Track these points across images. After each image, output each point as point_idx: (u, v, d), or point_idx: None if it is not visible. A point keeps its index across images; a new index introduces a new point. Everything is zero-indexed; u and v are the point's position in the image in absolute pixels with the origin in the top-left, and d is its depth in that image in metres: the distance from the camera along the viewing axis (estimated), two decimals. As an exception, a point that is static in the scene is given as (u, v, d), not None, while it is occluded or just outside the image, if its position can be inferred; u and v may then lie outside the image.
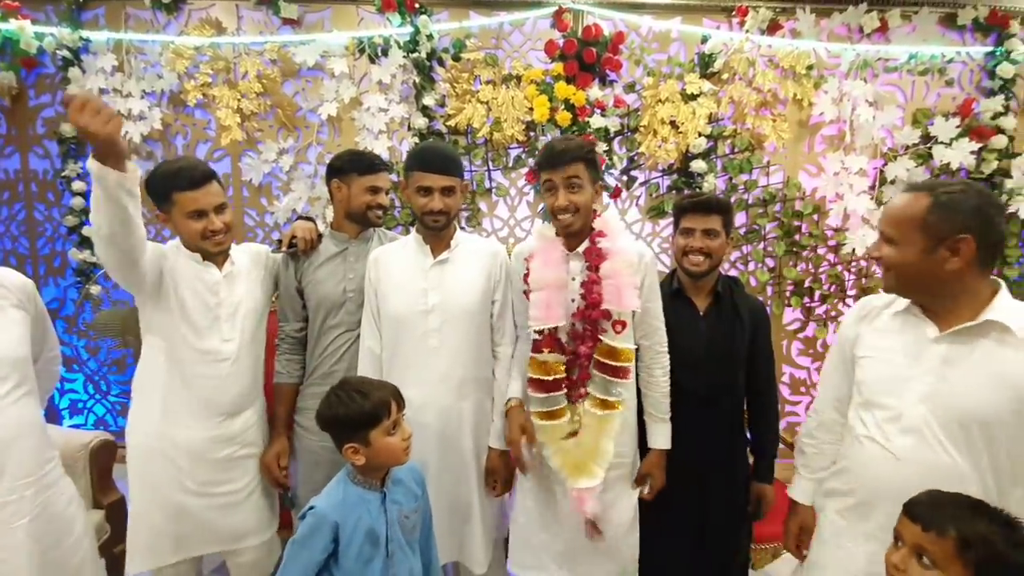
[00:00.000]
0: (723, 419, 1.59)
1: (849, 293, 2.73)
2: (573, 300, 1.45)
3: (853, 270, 2.71)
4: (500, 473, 1.58)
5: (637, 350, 1.49)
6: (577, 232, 1.44)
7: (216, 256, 1.56)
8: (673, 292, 1.63)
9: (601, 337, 1.42)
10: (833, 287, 2.71)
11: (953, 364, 1.08)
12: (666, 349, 1.52)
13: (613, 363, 1.41)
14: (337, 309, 1.65)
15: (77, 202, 2.71)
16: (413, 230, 1.62)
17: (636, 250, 1.45)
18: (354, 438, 1.19)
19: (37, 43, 2.59)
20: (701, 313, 1.60)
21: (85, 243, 2.72)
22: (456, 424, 1.55)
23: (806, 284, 2.71)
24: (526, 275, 1.49)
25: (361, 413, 1.18)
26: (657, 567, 1.58)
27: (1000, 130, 2.55)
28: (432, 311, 1.53)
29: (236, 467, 1.56)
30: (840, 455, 1.28)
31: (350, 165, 1.68)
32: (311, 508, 1.18)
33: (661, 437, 1.52)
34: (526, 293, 1.49)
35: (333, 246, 1.71)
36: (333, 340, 1.66)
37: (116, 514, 1.90)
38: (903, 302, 1.19)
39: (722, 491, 1.58)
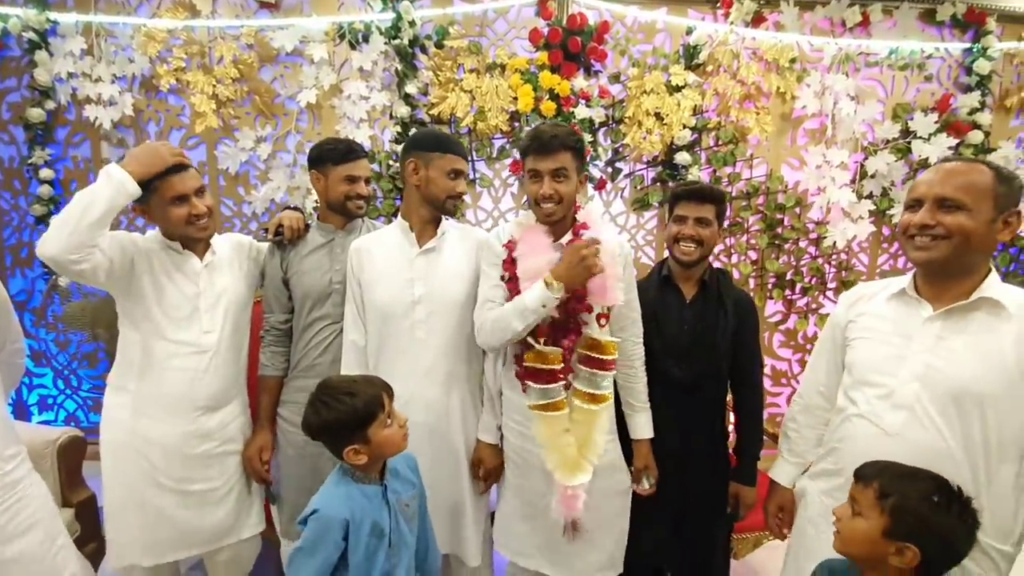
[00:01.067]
0: (705, 407, 1.58)
1: (830, 286, 2.76)
2: None
3: (834, 263, 2.74)
4: (488, 464, 1.56)
5: None
6: (559, 221, 1.42)
7: (197, 244, 1.52)
8: (661, 279, 1.62)
9: (584, 330, 1.40)
10: (814, 279, 2.74)
11: (947, 341, 1.11)
12: (642, 340, 1.52)
13: (599, 356, 1.39)
14: (323, 301, 1.61)
15: (44, 190, 2.61)
16: (397, 218, 1.58)
17: (617, 242, 1.43)
18: (353, 440, 1.15)
19: (1, 25, 2.48)
20: (687, 301, 1.59)
21: (53, 233, 2.63)
22: (444, 418, 1.52)
23: (788, 276, 2.73)
24: (506, 262, 1.45)
25: (355, 414, 1.14)
26: (638, 554, 1.58)
27: (976, 125, 2.59)
28: (419, 302, 1.49)
29: (214, 464, 1.52)
30: (828, 438, 1.29)
31: (326, 154, 1.63)
32: (314, 512, 1.13)
33: (645, 427, 1.52)
34: (507, 282, 1.45)
35: (320, 237, 1.67)
36: (318, 332, 1.62)
37: (86, 513, 1.84)
38: (897, 285, 1.21)
39: (703, 480, 1.58)
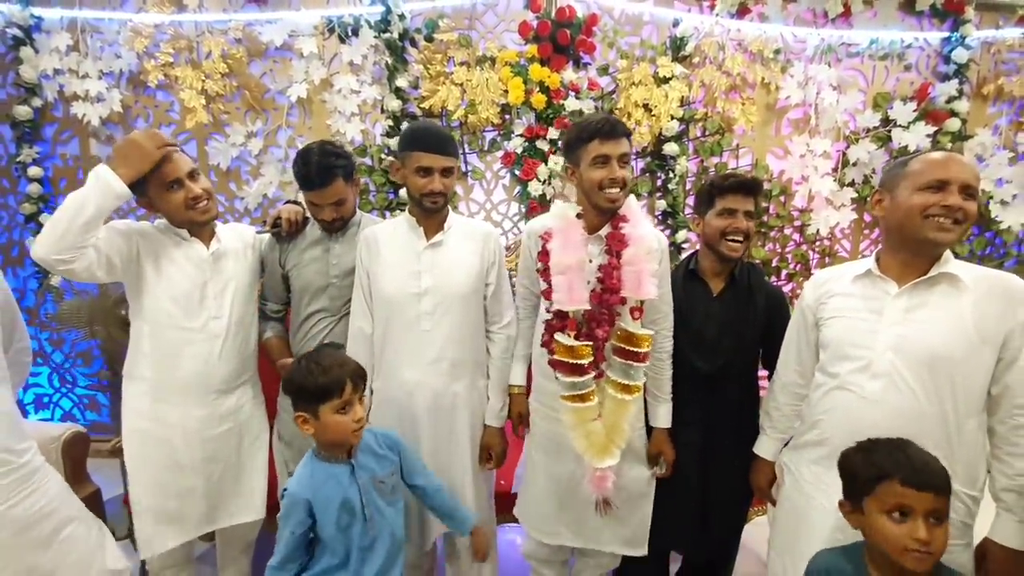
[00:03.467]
0: (731, 401, 1.59)
1: (814, 272, 2.84)
2: (588, 283, 1.44)
3: (817, 249, 2.82)
4: (496, 448, 1.63)
5: None
6: (605, 212, 1.44)
7: (203, 231, 1.54)
8: (688, 273, 1.63)
9: (618, 322, 1.43)
10: (799, 266, 2.81)
11: (915, 312, 1.21)
12: (671, 334, 1.55)
13: (633, 348, 1.42)
14: (320, 294, 1.65)
15: (34, 188, 2.60)
16: (406, 211, 1.61)
17: (655, 235, 1.46)
18: (306, 408, 1.23)
19: (-17, 20, 2.45)
20: (715, 295, 1.60)
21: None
22: (449, 405, 1.57)
23: (773, 263, 2.80)
24: (541, 253, 1.48)
25: (315, 386, 1.21)
26: (661, 540, 1.63)
27: (954, 113, 2.67)
28: (425, 294, 1.53)
29: (232, 443, 1.58)
30: (810, 412, 1.37)
31: (296, 175, 1.62)
32: (285, 490, 1.25)
33: (664, 417, 1.57)
34: (540, 272, 1.49)
35: (319, 231, 1.70)
36: (316, 324, 1.67)
37: (92, 507, 1.86)
38: (861, 267, 1.30)
39: (727, 472, 1.60)
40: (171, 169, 1.44)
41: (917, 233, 1.19)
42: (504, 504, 1.81)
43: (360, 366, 1.30)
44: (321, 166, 1.55)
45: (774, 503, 1.51)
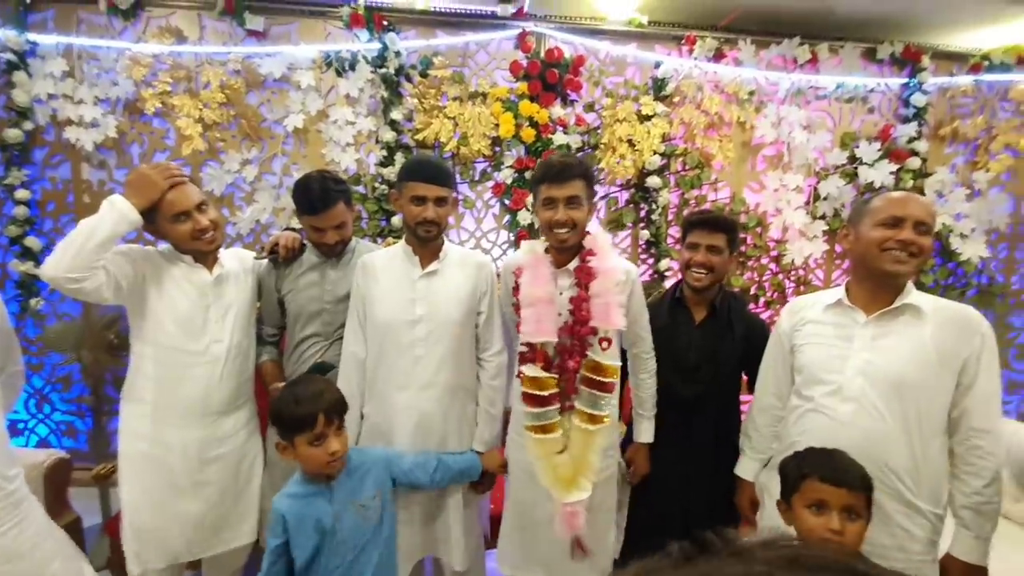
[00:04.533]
0: (709, 426, 1.65)
1: (790, 299, 2.96)
2: (560, 315, 1.48)
3: (793, 278, 2.95)
4: (489, 466, 1.65)
5: (624, 357, 1.59)
6: (570, 248, 1.50)
7: (207, 257, 1.58)
8: (674, 300, 1.71)
9: (588, 352, 1.47)
10: (776, 294, 2.94)
11: (881, 340, 1.30)
12: (652, 355, 1.62)
13: (600, 378, 1.46)
14: (314, 318, 1.70)
15: (20, 211, 2.58)
16: (402, 240, 1.65)
17: (623, 268, 1.52)
18: (284, 437, 1.28)
19: (-22, 45, 2.47)
20: (696, 323, 1.68)
21: (27, 254, 2.59)
22: (440, 430, 1.59)
23: (752, 291, 2.92)
24: (513, 288, 1.53)
25: (290, 417, 1.26)
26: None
27: (914, 153, 2.86)
28: (419, 321, 1.57)
29: (229, 467, 1.59)
30: (786, 433, 1.44)
31: (297, 202, 1.68)
32: (272, 502, 1.32)
33: (646, 432, 1.63)
34: (515, 307, 1.53)
35: (315, 257, 1.75)
36: (309, 348, 1.71)
37: (71, 536, 1.81)
38: (833, 297, 1.40)
39: (707, 496, 1.64)
40: (179, 201, 1.49)
41: (876, 264, 1.30)
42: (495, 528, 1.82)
43: (339, 399, 1.32)
44: (323, 190, 1.61)
45: (755, 526, 1.56)
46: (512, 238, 2.73)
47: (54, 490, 1.82)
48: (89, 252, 1.37)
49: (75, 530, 1.85)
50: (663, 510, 1.65)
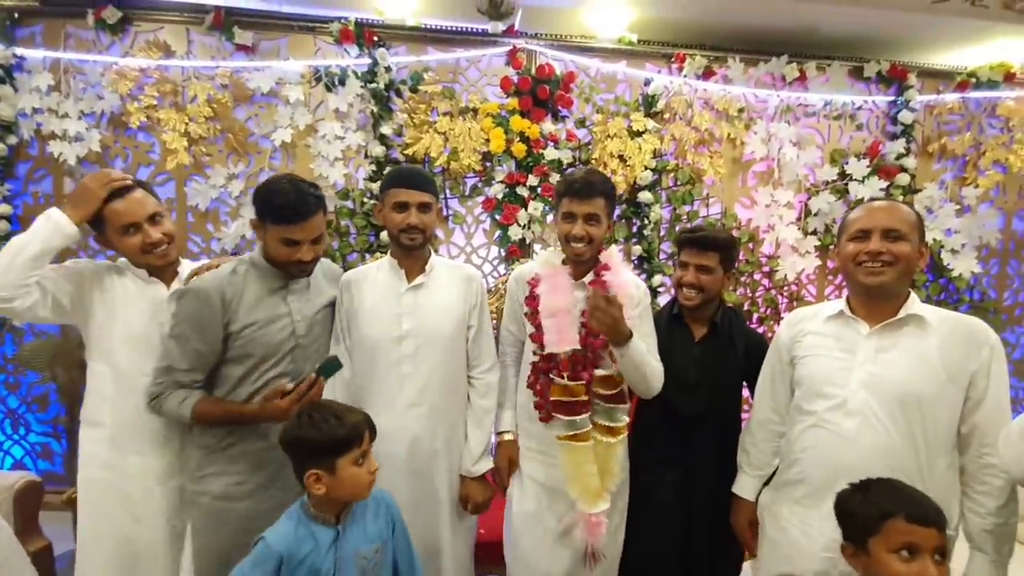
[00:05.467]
0: (710, 444, 1.62)
1: (784, 316, 2.94)
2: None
3: (786, 294, 2.93)
4: (476, 499, 1.58)
5: None
6: (585, 261, 1.50)
7: (164, 271, 1.49)
8: (672, 317, 1.68)
9: (599, 365, 1.47)
10: (769, 310, 2.91)
11: (885, 352, 1.26)
12: (658, 357, 1.56)
13: (613, 391, 1.46)
14: (283, 358, 1.44)
15: (1, 226, 2.53)
16: (388, 254, 1.61)
17: (635, 283, 1.52)
18: (320, 464, 1.13)
19: (-38, 59, 2.44)
20: (695, 340, 1.65)
21: (8, 270, 2.53)
22: (428, 453, 1.53)
23: (745, 307, 2.90)
24: (528, 298, 1.53)
25: (333, 438, 1.13)
26: None
27: (903, 169, 2.87)
28: (406, 337, 1.52)
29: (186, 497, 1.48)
30: (788, 450, 1.40)
31: (263, 207, 1.38)
32: (262, 538, 1.15)
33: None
34: (528, 316, 1.53)
35: (272, 281, 1.44)
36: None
37: (41, 563, 1.74)
38: (835, 308, 1.36)
39: (707, 513, 1.60)
40: (127, 211, 1.41)
41: (855, 279, 1.29)
42: (485, 553, 1.76)
43: (368, 417, 1.23)
44: (300, 196, 1.35)
45: (753, 553, 1.51)
46: (503, 253, 2.70)
47: (23, 515, 1.74)
48: (19, 268, 1.31)
49: (46, 557, 1.77)
50: (663, 530, 1.61)
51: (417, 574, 1.32)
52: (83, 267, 1.47)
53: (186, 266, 1.57)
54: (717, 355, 1.63)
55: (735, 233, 2.84)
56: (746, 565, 1.93)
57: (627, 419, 1.50)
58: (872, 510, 1.04)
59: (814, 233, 2.88)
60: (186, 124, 2.53)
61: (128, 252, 1.44)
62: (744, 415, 1.71)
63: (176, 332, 1.36)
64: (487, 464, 1.60)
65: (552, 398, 1.46)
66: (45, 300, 1.37)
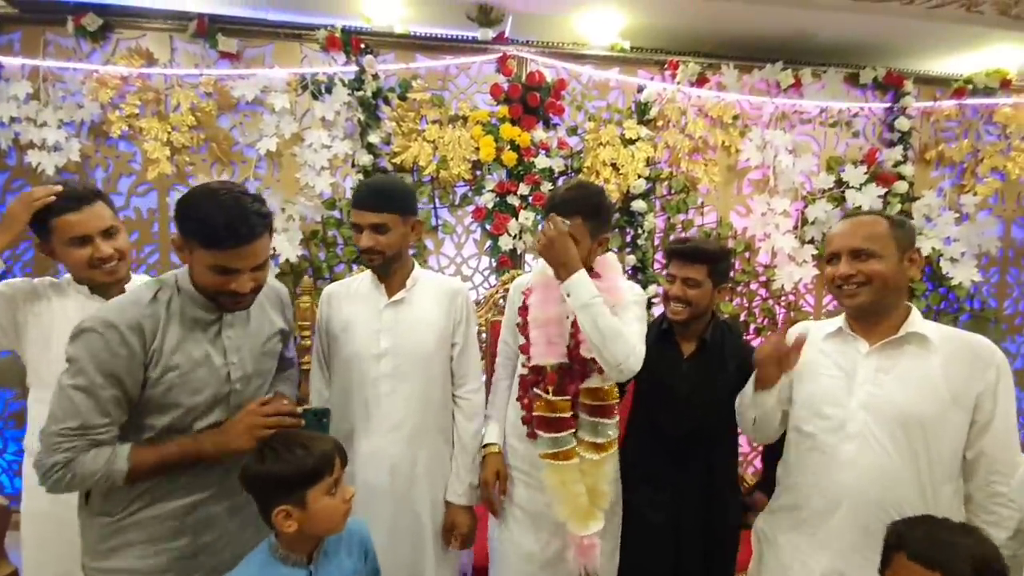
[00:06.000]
0: (702, 464, 1.56)
1: (780, 326, 2.88)
2: (565, 338, 1.42)
3: (783, 304, 2.87)
4: (461, 529, 1.50)
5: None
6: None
7: (108, 289, 1.40)
8: (661, 332, 1.61)
9: (590, 376, 1.41)
10: (766, 320, 2.85)
11: (886, 372, 1.21)
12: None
13: (600, 403, 1.40)
14: (216, 406, 1.18)
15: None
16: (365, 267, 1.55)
17: (632, 291, 1.47)
18: (289, 499, 1.03)
19: (-61, 67, 2.38)
20: (685, 357, 1.59)
21: (-17, 283, 2.46)
22: (409, 478, 1.46)
23: (741, 318, 2.84)
24: (520, 308, 1.47)
25: (302, 469, 1.03)
26: None
27: (901, 176, 2.83)
28: (384, 355, 1.45)
29: None
30: (785, 474, 1.35)
31: (189, 225, 1.08)
32: None
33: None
34: (519, 327, 1.47)
35: (202, 312, 1.16)
36: None
37: (5, 593, 1.65)
38: (834, 325, 1.31)
39: (698, 533, 1.55)
40: (79, 224, 1.33)
41: (838, 301, 1.27)
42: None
43: (338, 444, 1.13)
44: (242, 214, 1.07)
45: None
46: (493, 264, 2.64)
47: (-14, 541, 1.66)
48: None
49: (9, 586, 1.68)
50: (654, 552, 1.54)
51: None
52: (16, 289, 1.38)
53: (136, 282, 1.47)
54: (707, 372, 1.56)
55: (730, 243, 2.79)
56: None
57: (614, 435, 1.43)
58: (889, 539, 1.00)
59: (811, 242, 2.83)
60: (168, 133, 2.47)
61: (73, 265, 1.36)
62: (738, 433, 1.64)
63: (82, 383, 1.04)
64: (473, 492, 1.52)
65: (535, 413, 1.41)
66: None
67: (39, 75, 2.45)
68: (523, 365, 1.47)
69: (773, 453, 1.68)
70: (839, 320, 1.31)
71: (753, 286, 2.84)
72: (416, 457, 1.47)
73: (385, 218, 1.41)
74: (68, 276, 1.43)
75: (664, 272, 1.63)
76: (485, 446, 1.55)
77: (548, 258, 1.34)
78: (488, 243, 2.64)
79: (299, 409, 1.20)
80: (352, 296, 1.52)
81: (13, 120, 2.44)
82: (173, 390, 1.12)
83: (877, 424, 1.18)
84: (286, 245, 2.48)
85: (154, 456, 1.10)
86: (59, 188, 1.36)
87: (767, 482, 1.66)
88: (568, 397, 1.40)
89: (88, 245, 1.34)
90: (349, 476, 1.41)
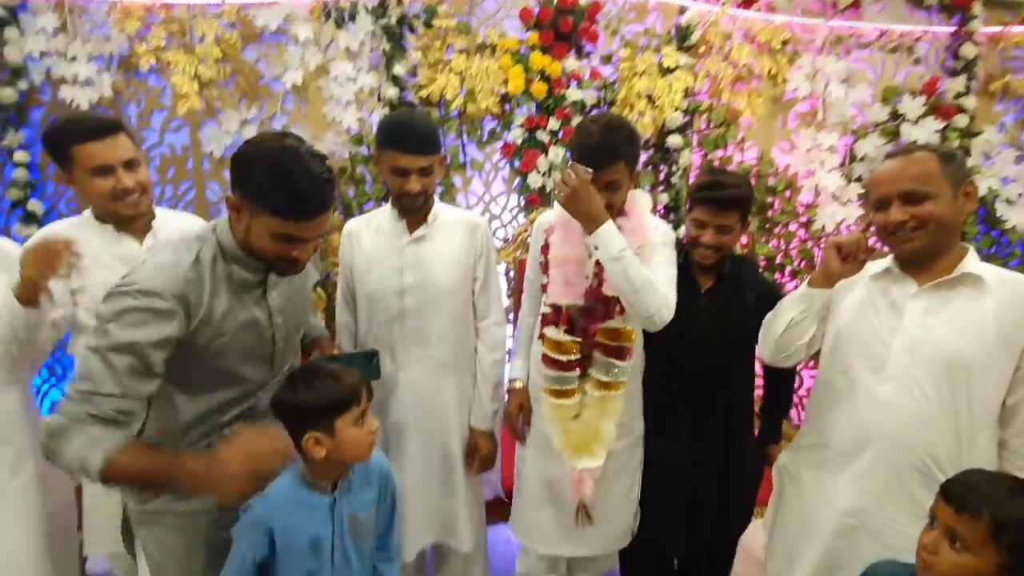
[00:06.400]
0: (719, 400, 1.55)
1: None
2: (587, 277, 1.41)
3: (823, 246, 2.77)
4: (482, 452, 1.56)
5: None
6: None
7: (133, 225, 1.40)
8: (677, 268, 1.57)
9: (609, 319, 1.40)
10: (804, 263, 2.76)
11: (934, 314, 1.15)
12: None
13: (617, 344, 1.39)
14: (259, 364, 1.16)
15: (20, 174, 2.52)
16: (387, 203, 1.54)
17: (660, 230, 1.42)
18: (319, 426, 1.05)
19: (-34, 0, 2.37)
20: (702, 292, 1.56)
21: (31, 218, 2.55)
22: (436, 409, 1.51)
23: (777, 260, 2.75)
24: (543, 247, 1.46)
25: (331, 398, 1.06)
26: (652, 544, 1.60)
27: (961, 109, 2.62)
28: (408, 291, 1.47)
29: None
30: (814, 412, 1.33)
31: (264, 193, 0.99)
32: (249, 506, 1.06)
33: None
34: (542, 266, 1.47)
35: (248, 274, 1.09)
36: (228, 415, 1.13)
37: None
38: (881, 265, 1.25)
39: (716, 471, 1.57)
40: (101, 153, 1.30)
41: (891, 248, 1.20)
42: (500, 506, 1.76)
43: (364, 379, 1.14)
44: (321, 184, 1.00)
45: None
46: (522, 202, 2.60)
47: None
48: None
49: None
50: (671, 490, 1.57)
51: (392, 538, 1.27)
52: (55, 234, 1.34)
53: (162, 218, 1.46)
54: (725, 306, 1.54)
55: (770, 181, 2.67)
56: (757, 522, 1.89)
57: (625, 378, 1.42)
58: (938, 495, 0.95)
59: (859, 180, 2.68)
60: (196, 66, 2.44)
61: (96, 197, 1.35)
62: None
63: (104, 344, 0.95)
64: (495, 418, 1.58)
65: (544, 351, 1.41)
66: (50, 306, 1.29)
67: (64, 6, 2.42)
68: (544, 304, 1.47)
69: (775, 400, 1.69)
70: (887, 260, 1.25)
71: (792, 227, 2.74)
72: (442, 389, 1.51)
73: (432, 159, 1.41)
74: (87, 213, 1.42)
75: (689, 213, 1.55)
76: (511, 381, 1.59)
77: (572, 210, 1.29)
78: (517, 180, 2.59)
79: (345, 353, 1.26)
80: (374, 232, 1.52)
81: (43, 55, 2.44)
82: (220, 356, 1.08)
83: (919, 366, 1.14)
84: (315, 182, 2.48)
85: (135, 467, 0.97)
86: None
87: (768, 431, 1.67)
88: (579, 339, 1.39)
89: (110, 176, 1.32)
90: (379, 405, 1.47)
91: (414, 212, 1.47)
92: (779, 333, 1.30)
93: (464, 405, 1.56)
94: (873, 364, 1.19)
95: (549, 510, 1.51)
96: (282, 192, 0.98)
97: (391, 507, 1.25)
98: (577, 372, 1.40)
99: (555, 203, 1.47)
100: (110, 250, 1.37)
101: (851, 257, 1.18)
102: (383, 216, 1.54)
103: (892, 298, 1.21)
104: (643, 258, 1.34)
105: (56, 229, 1.39)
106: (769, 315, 1.37)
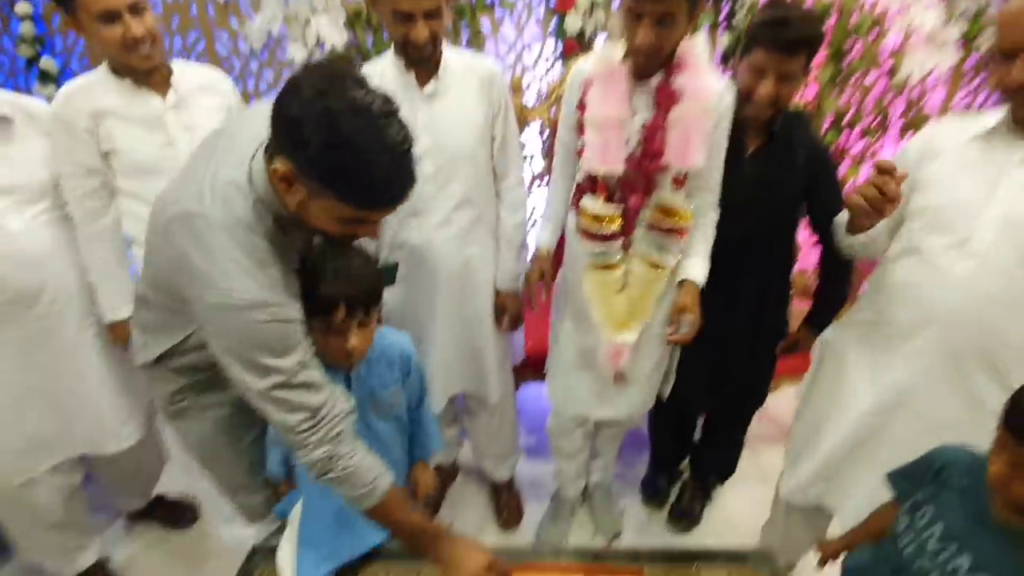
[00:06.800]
0: (758, 265, 1.47)
1: (892, 131, 2.46)
2: (628, 141, 1.23)
3: (903, 100, 2.41)
4: (511, 310, 1.57)
5: None
6: (653, 66, 1.19)
7: (151, 79, 1.34)
8: None
9: (656, 192, 1.25)
10: (876, 120, 2.43)
11: None
12: (716, 210, 1.36)
13: (669, 226, 1.26)
14: None
15: (27, 28, 2.40)
16: (390, 52, 1.36)
17: (717, 90, 1.20)
18: (304, 306, 0.95)
19: None
20: (748, 154, 1.39)
21: (47, 77, 2.47)
22: (461, 270, 1.49)
23: (847, 118, 2.43)
24: (579, 104, 1.27)
25: (306, 294, 0.95)
26: (677, 401, 1.61)
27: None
28: (424, 155, 1.34)
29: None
30: (873, 288, 1.23)
31: (322, 174, 0.81)
32: None
33: (691, 269, 1.35)
34: (579, 127, 1.30)
35: (294, 242, 1.01)
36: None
37: None
38: (991, 121, 1.05)
39: (746, 339, 1.54)
40: None
41: (1013, 109, 1.00)
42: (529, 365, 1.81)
43: (371, 289, 1.01)
44: (407, 170, 0.86)
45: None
46: (559, 49, 2.31)
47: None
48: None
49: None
50: (702, 354, 1.54)
51: (425, 411, 1.26)
52: (75, 110, 1.30)
53: (178, 70, 1.39)
54: (773, 170, 1.37)
55: (853, 18, 2.25)
56: (791, 390, 1.86)
57: (673, 261, 1.31)
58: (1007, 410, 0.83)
59: (962, 15, 2.23)
60: None
61: (106, 46, 1.27)
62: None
63: (279, 380, 0.90)
64: (518, 280, 1.56)
65: (582, 224, 1.29)
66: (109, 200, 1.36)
67: None
68: (580, 171, 1.34)
69: (830, 290, 1.55)
70: (995, 116, 1.04)
71: (871, 77, 2.37)
72: (467, 251, 1.48)
73: (438, 1, 1.21)
74: (103, 67, 1.36)
75: (744, 54, 1.30)
76: (537, 248, 1.52)
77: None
78: (553, 22, 2.28)
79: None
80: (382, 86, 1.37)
81: None
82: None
83: (1009, 245, 1.00)
84: (331, 30, 2.25)
85: (403, 514, 1.01)
86: None
87: (820, 311, 1.57)
88: (618, 212, 1.26)
89: (118, 22, 1.25)
90: (403, 278, 1.45)
91: (423, 63, 1.31)
92: (848, 253, 1.25)
93: (490, 269, 1.54)
94: (955, 240, 1.05)
95: (584, 376, 1.52)
96: (355, 178, 0.79)
97: (419, 386, 1.22)
98: (620, 242, 1.30)
99: (598, 50, 1.26)
100: (133, 108, 1.34)
101: (874, 210, 1.01)
102: (386, 66, 1.36)
103: (991, 164, 1.03)
104: (693, 137, 1.18)
105: (78, 86, 1.34)
106: (833, 225, 1.25)
